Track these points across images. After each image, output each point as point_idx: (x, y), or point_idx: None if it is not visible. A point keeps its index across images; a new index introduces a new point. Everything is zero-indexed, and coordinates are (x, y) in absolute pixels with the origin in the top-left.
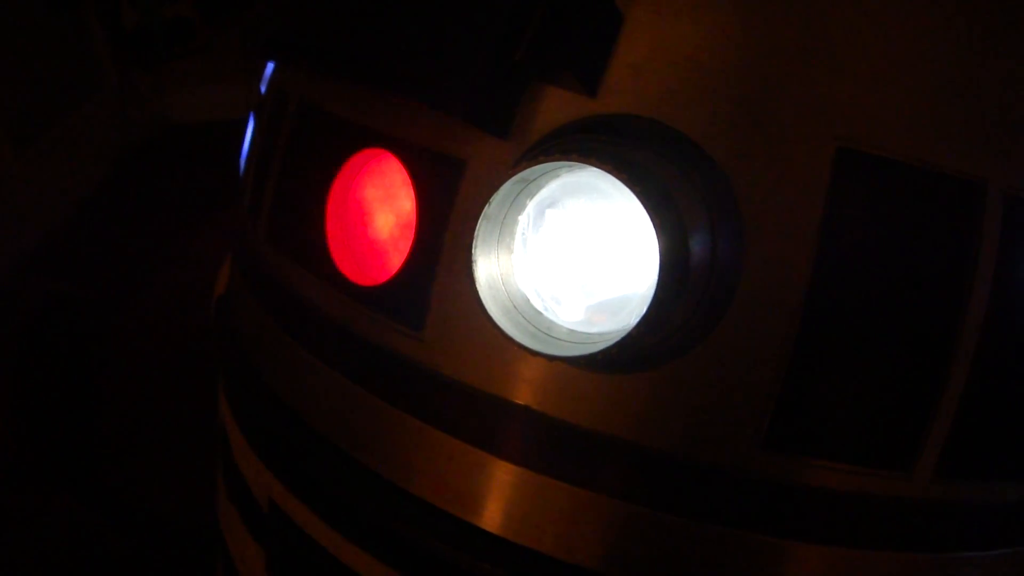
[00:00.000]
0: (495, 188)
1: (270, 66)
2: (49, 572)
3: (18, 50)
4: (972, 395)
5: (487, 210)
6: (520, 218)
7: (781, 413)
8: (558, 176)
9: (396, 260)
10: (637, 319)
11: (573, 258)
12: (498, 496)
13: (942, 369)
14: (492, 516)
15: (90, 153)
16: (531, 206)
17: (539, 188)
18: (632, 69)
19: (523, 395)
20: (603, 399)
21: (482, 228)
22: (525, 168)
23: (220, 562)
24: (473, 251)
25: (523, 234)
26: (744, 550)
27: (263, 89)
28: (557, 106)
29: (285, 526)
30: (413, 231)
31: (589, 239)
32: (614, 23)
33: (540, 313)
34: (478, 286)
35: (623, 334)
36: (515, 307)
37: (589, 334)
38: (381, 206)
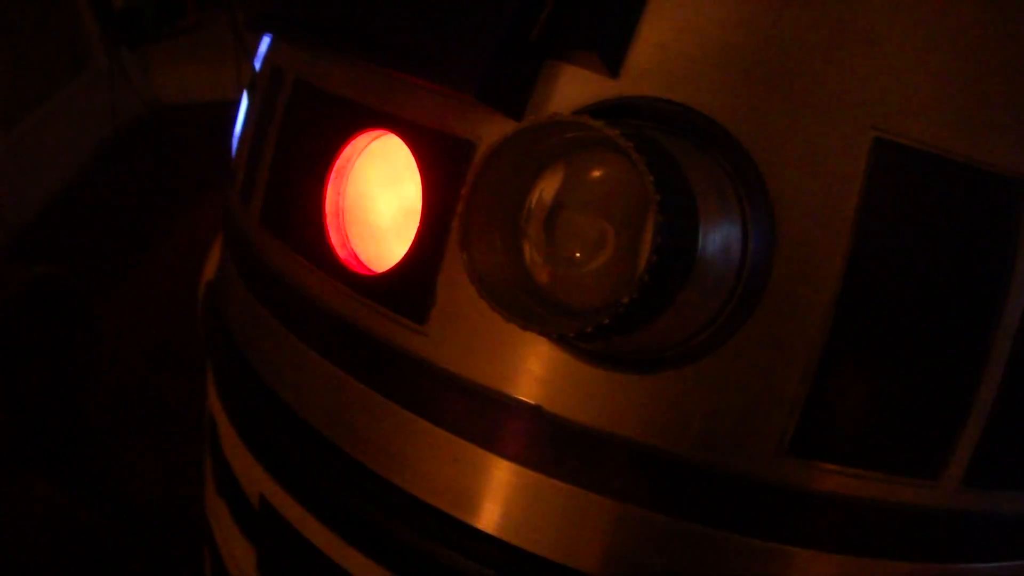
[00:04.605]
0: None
1: (265, 41)
2: (31, 560)
3: (4, 29)
4: (1004, 401)
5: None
6: (527, 200)
7: (807, 417)
8: (569, 159)
9: (399, 248)
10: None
11: (579, 242)
12: (500, 497)
13: (975, 372)
14: (491, 516)
15: (78, 133)
16: (538, 192)
17: (545, 168)
18: (658, 49)
19: (533, 393)
20: (618, 399)
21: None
22: (526, 126)
23: (208, 555)
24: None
25: (528, 218)
26: (761, 559)
27: (257, 66)
28: (576, 86)
29: (277, 524)
30: (418, 217)
31: (597, 223)
32: None
33: (554, 303)
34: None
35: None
36: (521, 290)
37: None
38: (384, 190)
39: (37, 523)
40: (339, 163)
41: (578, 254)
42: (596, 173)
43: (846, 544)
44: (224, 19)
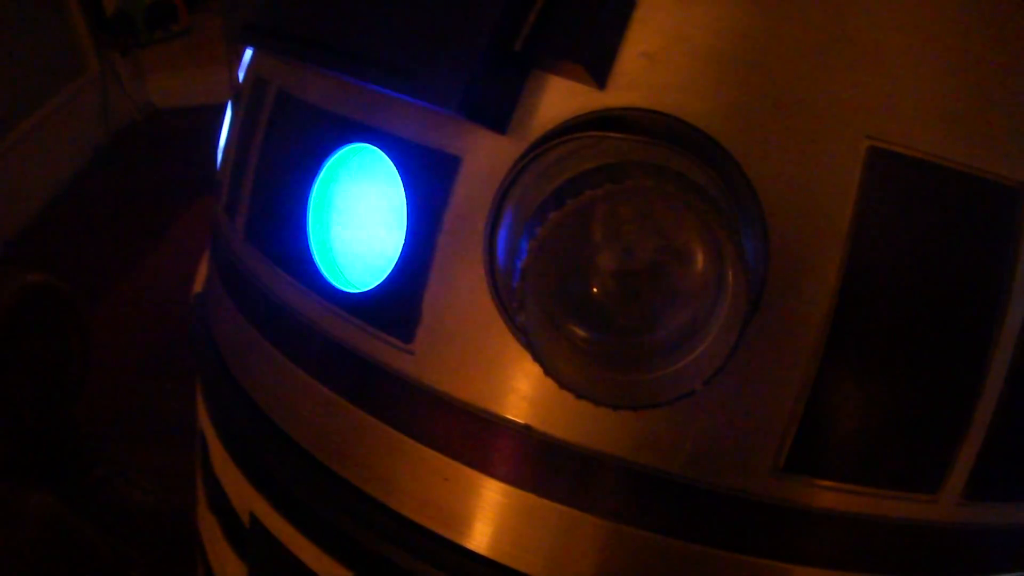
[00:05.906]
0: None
1: (249, 52)
2: (26, 570)
3: None
4: (1004, 412)
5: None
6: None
7: (803, 434)
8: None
9: (384, 265)
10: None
11: (641, 305)
12: (491, 517)
13: (975, 384)
14: (482, 537)
15: (72, 139)
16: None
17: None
18: (646, 59)
19: (522, 413)
20: (608, 419)
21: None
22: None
23: (201, 568)
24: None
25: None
26: None
27: (241, 77)
28: (561, 98)
29: (268, 543)
30: (402, 234)
31: (657, 279)
32: (625, 7)
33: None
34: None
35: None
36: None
37: None
38: (368, 206)
39: (32, 532)
40: (323, 178)
41: (642, 315)
42: (635, 227)
43: (845, 561)
44: (217, 23)
